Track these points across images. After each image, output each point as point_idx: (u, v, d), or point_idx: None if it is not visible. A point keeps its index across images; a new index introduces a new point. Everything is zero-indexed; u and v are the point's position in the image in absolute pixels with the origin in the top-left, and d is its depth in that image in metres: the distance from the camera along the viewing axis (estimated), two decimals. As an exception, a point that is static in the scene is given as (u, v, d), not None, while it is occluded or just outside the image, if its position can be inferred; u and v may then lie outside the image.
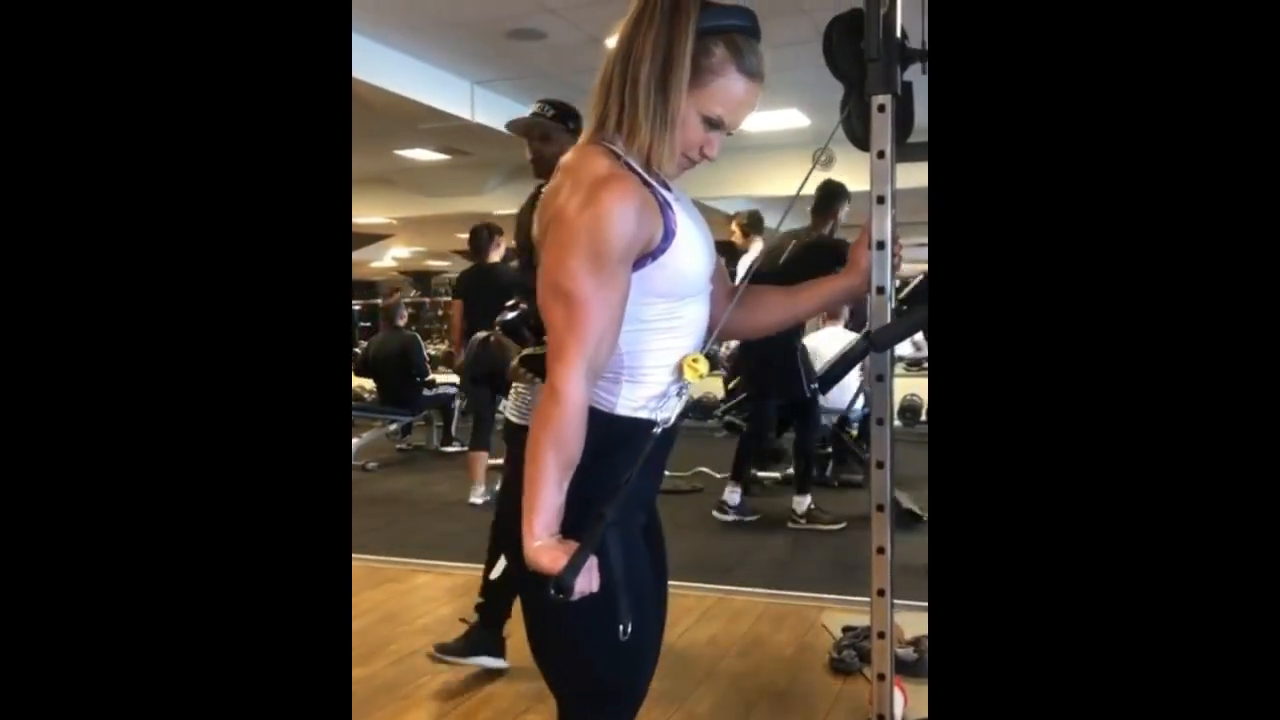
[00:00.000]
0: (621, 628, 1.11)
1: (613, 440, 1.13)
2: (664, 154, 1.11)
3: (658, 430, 1.15)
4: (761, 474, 5.22)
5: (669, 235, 1.10)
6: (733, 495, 4.47)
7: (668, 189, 1.16)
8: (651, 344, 1.13)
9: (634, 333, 1.11)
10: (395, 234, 12.91)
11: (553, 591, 1.01)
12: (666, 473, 4.86)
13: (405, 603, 3.28)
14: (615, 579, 1.12)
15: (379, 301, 14.96)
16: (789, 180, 7.74)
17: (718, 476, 5.26)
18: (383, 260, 16.79)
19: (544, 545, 1.05)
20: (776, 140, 7.06)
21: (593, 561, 1.04)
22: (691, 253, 1.14)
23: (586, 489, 1.12)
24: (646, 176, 1.11)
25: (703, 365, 1.18)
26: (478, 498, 4.80)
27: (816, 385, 4.14)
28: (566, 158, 1.15)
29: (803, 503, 4.29)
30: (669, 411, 1.18)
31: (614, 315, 1.07)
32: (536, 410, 1.08)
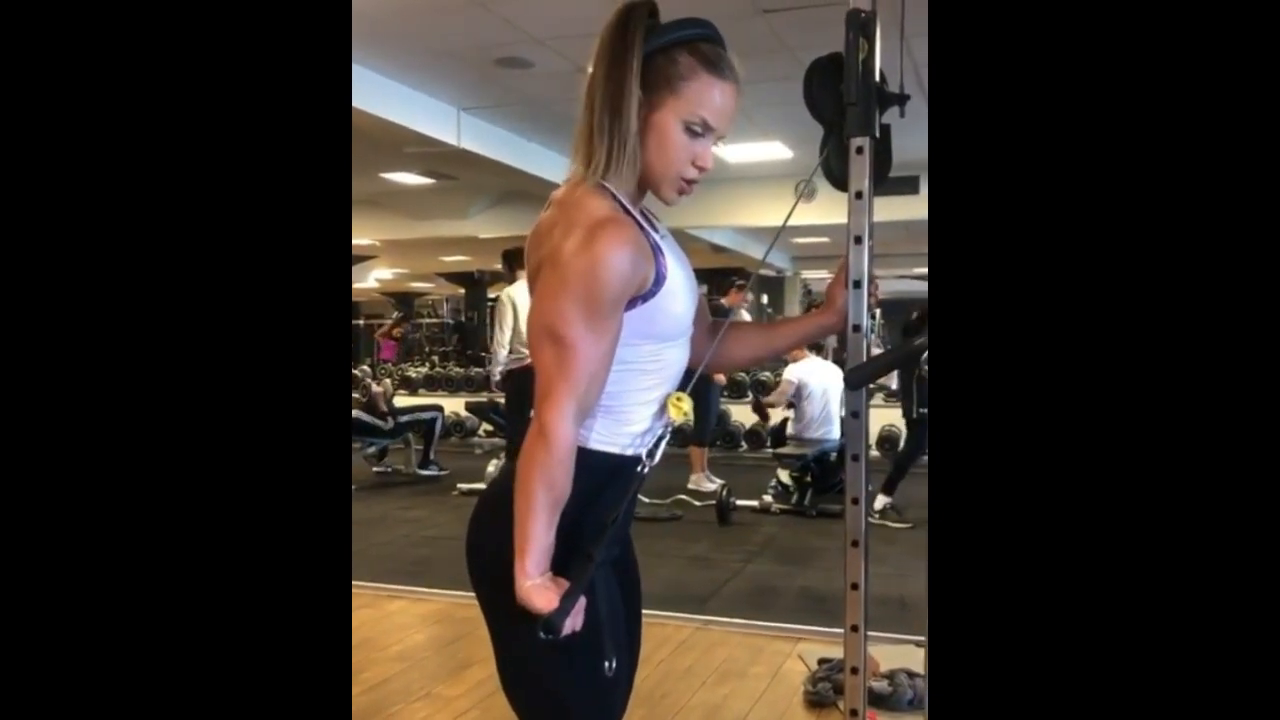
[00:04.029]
0: (606, 664, 1.12)
1: (586, 475, 1.14)
2: (624, 168, 1.10)
3: (642, 470, 1.16)
4: (740, 503, 5.23)
5: (660, 279, 1.11)
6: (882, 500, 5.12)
7: (655, 230, 1.17)
8: (631, 384, 1.13)
9: (615, 373, 1.11)
10: (379, 255, 12.88)
11: (541, 633, 1.02)
12: (645, 500, 4.86)
13: (379, 629, 3.25)
14: (591, 617, 1.13)
15: (360, 322, 14.92)
16: (771, 211, 7.83)
17: (697, 505, 5.28)
18: (365, 281, 16.73)
19: (536, 585, 1.05)
20: (759, 171, 7.13)
21: (581, 602, 1.06)
22: (679, 297, 1.14)
23: (561, 522, 1.14)
24: (639, 219, 1.12)
25: (686, 404, 1.20)
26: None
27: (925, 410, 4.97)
28: (560, 193, 1.15)
29: (882, 500, 5.02)
30: (645, 448, 1.20)
31: (605, 358, 1.07)
32: (525, 450, 1.07)
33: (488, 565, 1.16)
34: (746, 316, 6.29)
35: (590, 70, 1.13)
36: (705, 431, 5.94)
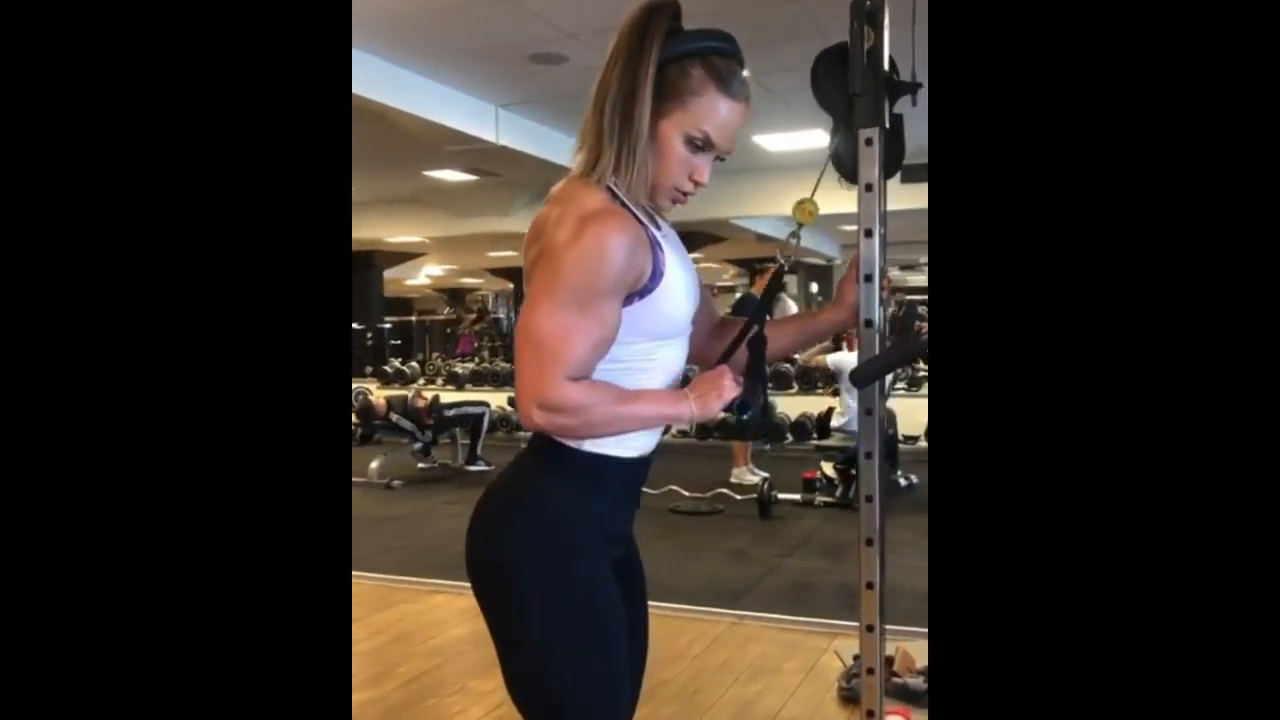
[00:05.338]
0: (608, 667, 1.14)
1: (580, 474, 1.13)
2: (633, 176, 1.10)
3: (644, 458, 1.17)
4: (782, 496, 5.19)
5: (657, 275, 1.10)
6: None
7: (658, 227, 1.16)
8: (625, 383, 1.12)
9: (608, 372, 1.11)
10: (428, 252, 13.05)
11: (742, 416, 1.14)
12: (685, 493, 4.83)
13: (418, 623, 3.29)
14: (592, 620, 1.13)
15: (413, 319, 15.12)
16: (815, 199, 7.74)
17: (738, 498, 5.25)
18: (417, 278, 16.97)
19: (696, 399, 1.12)
20: (801, 160, 7.04)
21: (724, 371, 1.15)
22: (678, 294, 1.13)
23: (552, 505, 1.14)
24: (638, 214, 1.11)
25: (810, 205, 1.24)
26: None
27: None
28: (559, 188, 1.15)
29: None
30: (646, 450, 1.19)
31: (594, 348, 1.07)
32: (562, 431, 1.10)
33: (486, 574, 1.17)
34: (793, 306, 6.23)
35: (604, 65, 1.13)
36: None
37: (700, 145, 1.12)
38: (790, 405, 7.51)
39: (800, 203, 1.25)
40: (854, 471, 5.41)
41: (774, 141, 6.68)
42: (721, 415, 1.14)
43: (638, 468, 1.19)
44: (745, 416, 1.13)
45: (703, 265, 15.05)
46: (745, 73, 1.15)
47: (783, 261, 1.31)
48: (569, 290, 1.04)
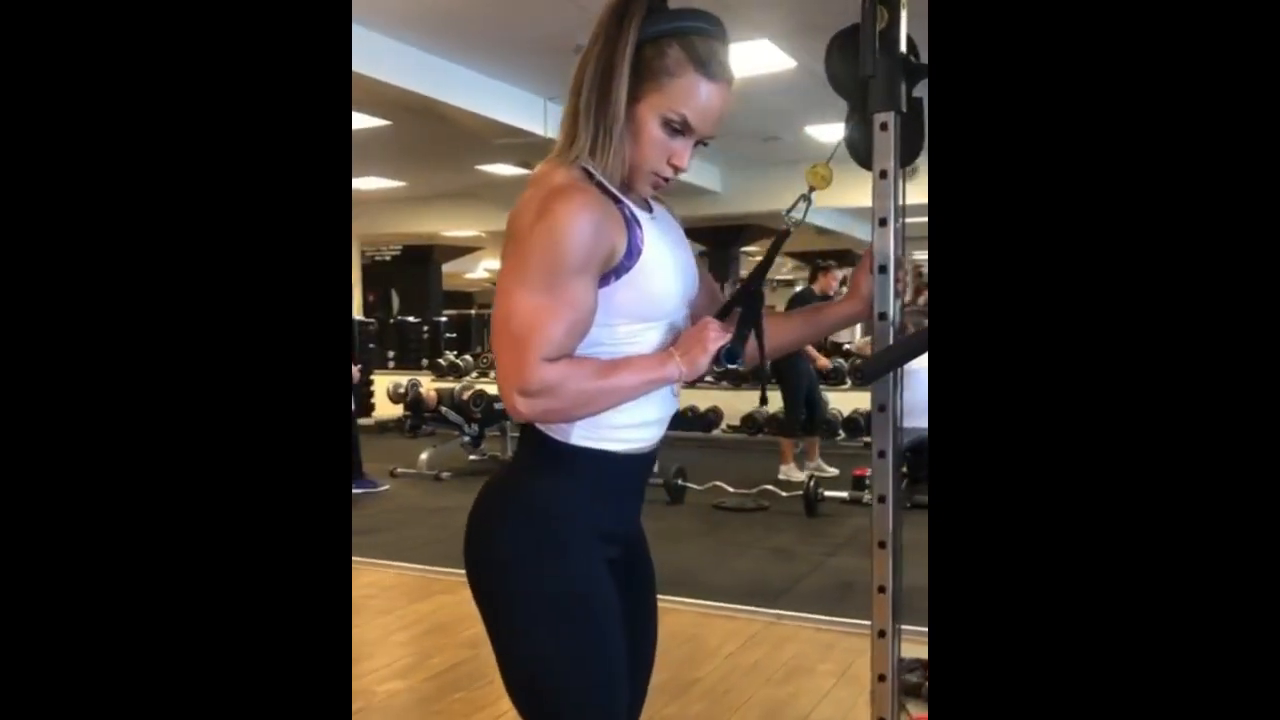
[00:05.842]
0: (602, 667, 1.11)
1: (569, 469, 1.11)
2: (609, 158, 1.07)
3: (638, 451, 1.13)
4: (830, 494, 5.10)
5: (634, 253, 1.06)
6: None
7: (649, 209, 1.13)
8: None
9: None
10: (485, 246, 13.18)
11: (727, 364, 1.11)
12: (730, 489, 4.76)
13: (454, 614, 3.31)
14: (585, 620, 1.10)
15: (472, 313, 15.31)
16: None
17: (783, 495, 5.17)
18: (475, 272, 17.16)
19: (684, 356, 1.08)
20: (857, 151, 6.92)
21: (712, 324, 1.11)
22: (660, 274, 1.09)
23: (542, 501, 1.12)
24: (615, 192, 1.08)
25: (825, 169, 1.22)
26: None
27: None
28: (535, 171, 1.13)
29: None
30: (644, 444, 1.16)
31: (569, 331, 1.03)
32: (547, 415, 1.07)
33: (480, 573, 1.15)
34: None
35: (586, 45, 1.11)
36: (794, 418, 5.79)
37: (678, 129, 1.08)
38: (843, 401, 7.39)
39: (813, 167, 1.20)
40: (904, 469, 5.31)
41: (827, 133, 6.57)
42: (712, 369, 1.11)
43: (634, 463, 1.16)
44: (732, 366, 1.10)
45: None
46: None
47: (787, 225, 1.27)
48: (537, 272, 1.01)
